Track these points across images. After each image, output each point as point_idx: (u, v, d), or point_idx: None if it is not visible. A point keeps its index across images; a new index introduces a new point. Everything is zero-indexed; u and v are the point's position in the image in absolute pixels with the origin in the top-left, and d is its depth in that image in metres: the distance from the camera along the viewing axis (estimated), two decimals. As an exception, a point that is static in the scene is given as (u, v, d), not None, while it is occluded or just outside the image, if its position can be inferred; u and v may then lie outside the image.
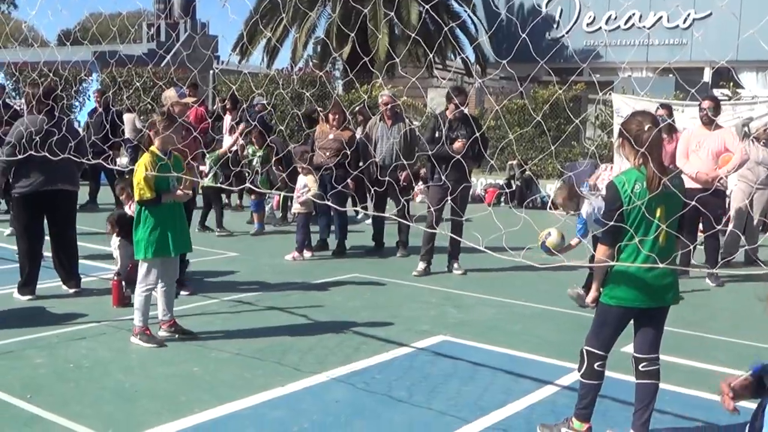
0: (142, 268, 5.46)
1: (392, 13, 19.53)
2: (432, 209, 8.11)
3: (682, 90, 13.87)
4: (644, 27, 22.68)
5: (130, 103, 15.79)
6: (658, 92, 14.29)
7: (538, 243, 5.80)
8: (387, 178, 7.02)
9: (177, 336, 5.57)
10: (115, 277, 6.53)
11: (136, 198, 5.44)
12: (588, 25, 23.77)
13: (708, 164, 8.01)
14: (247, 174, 10.38)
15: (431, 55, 21.16)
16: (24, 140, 6.42)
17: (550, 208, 7.45)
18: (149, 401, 4.39)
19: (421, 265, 8.28)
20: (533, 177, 15.53)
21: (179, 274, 6.04)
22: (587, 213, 6.33)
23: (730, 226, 9.03)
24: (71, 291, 6.87)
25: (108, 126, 12.48)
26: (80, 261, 7.18)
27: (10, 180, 6.72)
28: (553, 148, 15.19)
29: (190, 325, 5.79)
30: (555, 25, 23.79)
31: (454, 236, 7.78)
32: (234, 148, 10.83)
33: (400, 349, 5.52)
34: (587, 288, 6.64)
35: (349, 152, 8.50)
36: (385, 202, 9.27)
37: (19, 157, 6.44)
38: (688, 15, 22.32)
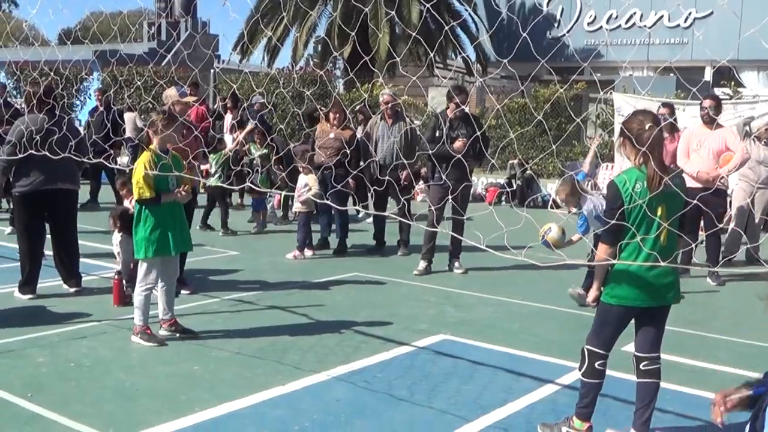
0: (143, 268, 5.45)
1: (393, 12, 19.53)
2: (433, 208, 8.11)
3: (683, 89, 13.85)
4: (645, 26, 22.67)
5: (131, 102, 15.78)
6: (659, 91, 14.28)
7: (539, 238, 5.80)
8: (387, 177, 7.02)
9: (177, 335, 5.57)
10: (116, 276, 6.53)
11: (135, 197, 5.44)
12: (589, 24, 23.76)
13: (709, 163, 8.00)
14: (248, 173, 10.37)
15: (432, 54, 21.16)
16: (24, 139, 6.42)
17: (552, 207, 7.45)
18: (150, 400, 4.39)
19: (422, 264, 8.28)
20: (534, 176, 15.52)
21: (179, 273, 6.04)
22: (588, 210, 6.33)
23: (731, 225, 9.03)
24: (72, 290, 6.88)
25: (109, 125, 12.48)
26: (81, 260, 7.18)
27: (11, 179, 6.73)
28: (554, 147, 15.19)
29: (190, 324, 5.79)
30: (556, 24, 23.78)
31: (455, 235, 7.79)
32: (236, 148, 10.84)
33: (400, 348, 5.52)
34: (586, 288, 6.69)
35: (349, 151, 8.50)
36: (386, 201, 9.27)
37: (20, 156, 6.44)
38: (689, 14, 22.30)
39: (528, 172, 15.44)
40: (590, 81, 14.49)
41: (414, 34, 10.78)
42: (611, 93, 14.36)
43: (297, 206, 9.26)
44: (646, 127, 3.68)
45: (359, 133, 9.91)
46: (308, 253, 9.04)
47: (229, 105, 12.68)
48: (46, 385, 4.58)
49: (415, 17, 21.86)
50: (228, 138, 11.74)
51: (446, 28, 18.44)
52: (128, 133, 13.87)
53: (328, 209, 9.20)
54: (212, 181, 9.87)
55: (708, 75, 21.12)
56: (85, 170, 8.48)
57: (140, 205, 5.41)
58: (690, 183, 6.97)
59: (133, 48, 20.04)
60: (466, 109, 8.40)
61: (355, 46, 18.39)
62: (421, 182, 11.66)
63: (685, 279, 6.78)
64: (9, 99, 14.82)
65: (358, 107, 11.87)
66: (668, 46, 22.35)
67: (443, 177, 7.62)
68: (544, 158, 15.97)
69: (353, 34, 16.18)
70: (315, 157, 9.02)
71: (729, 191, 9.24)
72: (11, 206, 9.20)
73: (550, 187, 14.68)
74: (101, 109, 13.26)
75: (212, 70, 20.33)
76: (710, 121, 8.13)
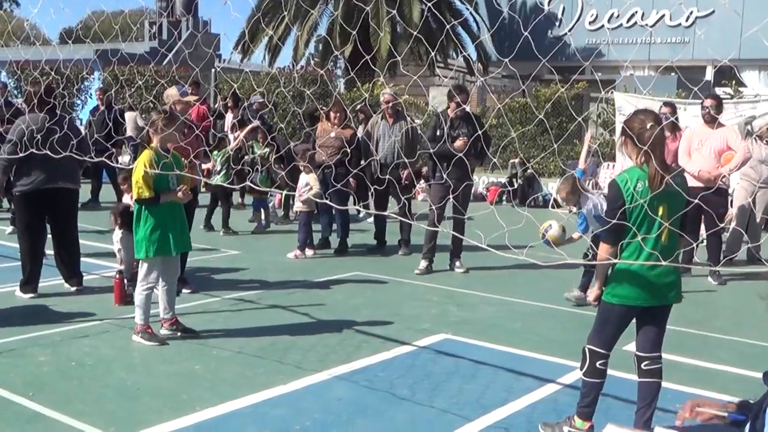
0: (143, 267, 5.45)
1: (394, 11, 19.51)
2: (434, 207, 8.10)
3: (685, 88, 13.86)
4: (646, 25, 22.67)
5: (132, 102, 15.78)
6: (661, 91, 14.28)
7: (539, 236, 5.80)
8: (388, 177, 7.01)
9: (179, 334, 5.57)
10: (117, 275, 6.54)
11: (135, 197, 5.44)
12: (590, 23, 23.77)
13: (710, 162, 8.00)
14: (248, 172, 10.37)
15: (433, 54, 21.18)
16: (25, 138, 6.42)
17: (553, 207, 7.44)
18: (151, 399, 4.39)
19: (423, 264, 8.28)
20: (535, 175, 15.51)
21: (180, 272, 6.03)
22: (587, 209, 6.32)
23: (733, 225, 9.02)
24: (73, 289, 6.88)
25: (110, 124, 12.49)
26: (82, 259, 7.19)
27: (12, 178, 6.73)
28: (555, 146, 15.18)
29: (191, 323, 5.79)
30: (557, 23, 23.79)
31: (456, 234, 7.79)
32: (238, 146, 10.84)
33: (401, 347, 5.52)
34: (583, 287, 6.68)
35: (350, 151, 8.50)
36: (387, 201, 9.27)
37: (21, 155, 6.44)
38: (691, 13, 22.30)
39: (529, 171, 15.43)
40: (591, 80, 14.49)
41: (415, 33, 10.73)
42: (612, 92, 14.35)
43: (298, 206, 9.26)
44: (648, 126, 3.67)
45: (360, 133, 9.91)
46: (309, 252, 9.04)
47: (229, 104, 12.69)
48: (47, 384, 4.58)
49: (416, 16, 21.88)
50: (230, 137, 11.73)
51: (447, 27, 18.45)
52: (129, 133, 13.88)
53: (329, 209, 9.20)
54: (218, 179, 9.86)
55: (709, 74, 21.12)
56: (86, 169, 8.48)
57: (139, 204, 5.41)
58: (691, 182, 6.97)
59: (135, 47, 20.03)
60: (467, 108, 8.40)
61: (356, 45, 18.38)
62: (422, 181, 11.66)
63: (686, 278, 6.77)
64: (10, 98, 14.84)
65: (359, 106, 11.87)
66: (669, 46, 22.35)
67: (444, 176, 7.62)
68: (545, 157, 15.97)
69: (354, 33, 16.20)
70: (316, 157, 9.02)
71: (730, 190, 9.23)
72: (12, 206, 9.20)
73: (551, 187, 14.67)
74: (102, 108, 13.27)
75: (213, 70, 20.34)
76: (711, 121, 8.13)
